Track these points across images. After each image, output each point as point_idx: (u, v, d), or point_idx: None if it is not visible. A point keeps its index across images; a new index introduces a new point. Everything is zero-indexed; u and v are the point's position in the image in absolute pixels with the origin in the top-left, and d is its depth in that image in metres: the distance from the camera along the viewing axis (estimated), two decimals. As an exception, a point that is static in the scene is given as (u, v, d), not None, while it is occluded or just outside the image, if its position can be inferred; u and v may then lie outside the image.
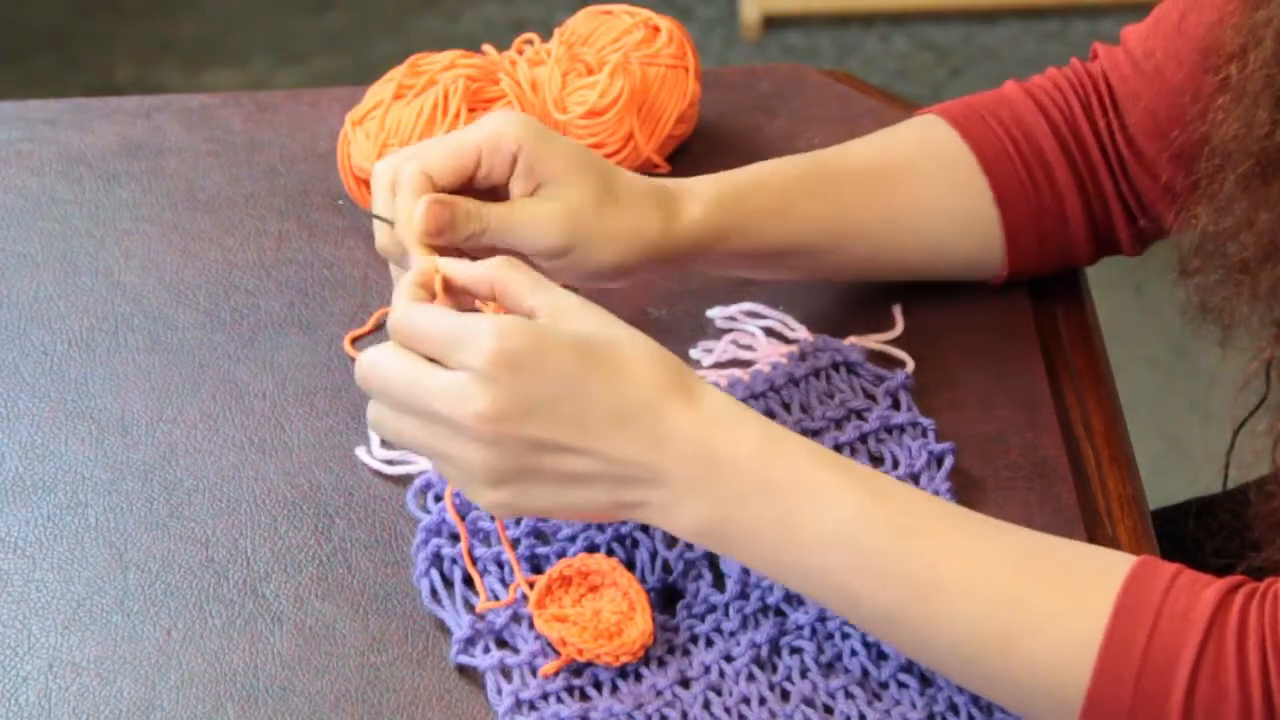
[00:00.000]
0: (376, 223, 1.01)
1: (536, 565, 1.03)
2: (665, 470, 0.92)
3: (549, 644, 0.99)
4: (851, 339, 1.15)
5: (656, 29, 1.28)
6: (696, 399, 0.93)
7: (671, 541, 1.02)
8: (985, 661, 0.92)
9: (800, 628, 1.00)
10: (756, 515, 0.93)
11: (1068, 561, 0.93)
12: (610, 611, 1.00)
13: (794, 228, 1.10)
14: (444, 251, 0.99)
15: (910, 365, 1.15)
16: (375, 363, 0.94)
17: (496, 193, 1.03)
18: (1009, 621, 0.91)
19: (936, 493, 1.06)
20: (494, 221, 1.01)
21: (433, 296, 0.96)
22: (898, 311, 1.18)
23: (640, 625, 0.99)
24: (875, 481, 0.94)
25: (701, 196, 1.07)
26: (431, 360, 0.93)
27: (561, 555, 1.03)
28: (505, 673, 0.99)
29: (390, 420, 0.95)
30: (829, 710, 0.98)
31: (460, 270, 0.97)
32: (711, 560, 1.03)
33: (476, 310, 0.96)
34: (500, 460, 0.92)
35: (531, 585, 1.01)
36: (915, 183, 1.14)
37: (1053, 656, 0.90)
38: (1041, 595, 0.91)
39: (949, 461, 1.08)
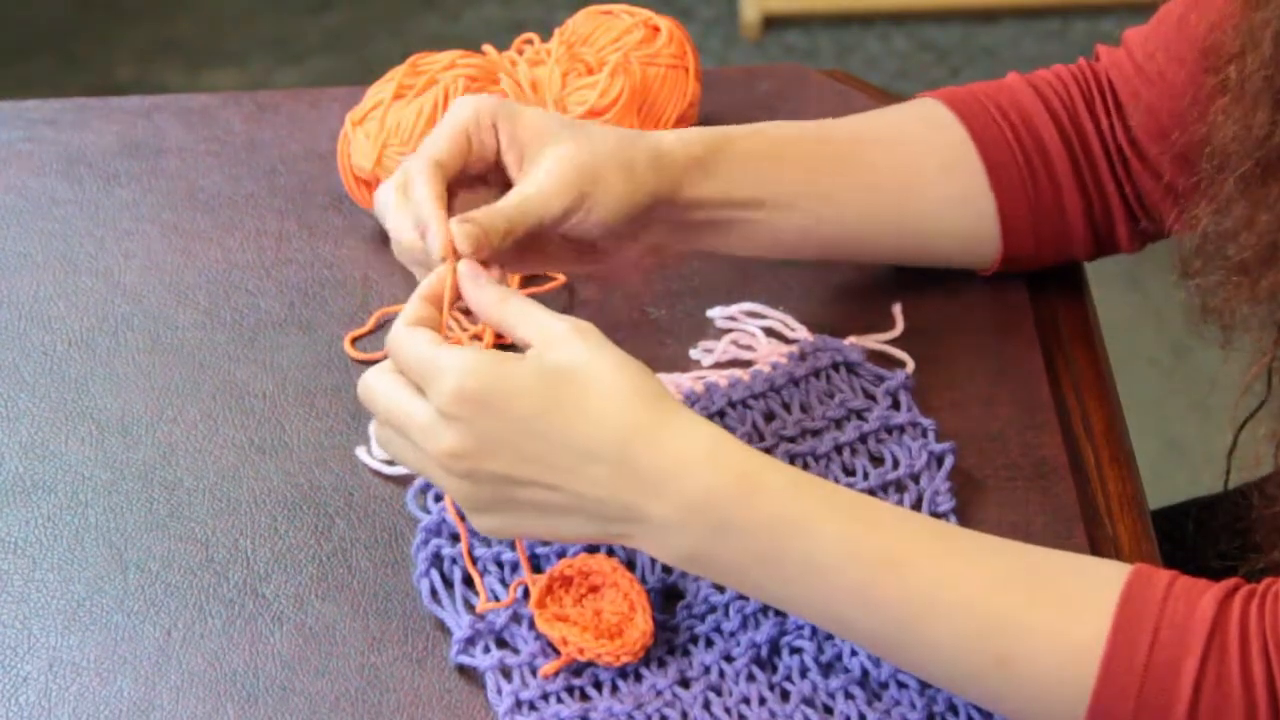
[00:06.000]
0: (392, 230, 1.01)
1: (537, 565, 1.03)
2: (641, 509, 0.92)
3: (549, 644, 0.99)
4: (851, 339, 1.15)
5: (656, 29, 1.27)
6: (671, 435, 0.92)
7: (671, 542, 1.02)
8: (984, 680, 0.91)
9: (800, 628, 1.00)
10: (740, 549, 0.92)
11: (1061, 575, 0.92)
12: (610, 611, 1.00)
13: (778, 173, 1.10)
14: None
15: (910, 365, 1.15)
16: (368, 386, 0.96)
17: (486, 179, 1.04)
18: (1006, 641, 0.90)
19: (936, 492, 1.07)
20: (513, 212, 1.01)
21: (439, 310, 0.97)
22: (898, 311, 1.18)
23: (640, 625, 0.99)
24: (859, 508, 0.93)
25: (680, 132, 1.08)
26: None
27: (562, 555, 1.03)
28: (505, 673, 0.99)
29: (389, 441, 0.97)
30: (829, 710, 0.98)
31: (470, 292, 0.97)
32: (711, 560, 1.03)
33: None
34: (476, 492, 0.94)
35: (532, 585, 1.01)
36: (905, 155, 1.14)
37: (1053, 673, 0.89)
38: (1037, 612, 0.90)
39: (949, 461, 1.08)
